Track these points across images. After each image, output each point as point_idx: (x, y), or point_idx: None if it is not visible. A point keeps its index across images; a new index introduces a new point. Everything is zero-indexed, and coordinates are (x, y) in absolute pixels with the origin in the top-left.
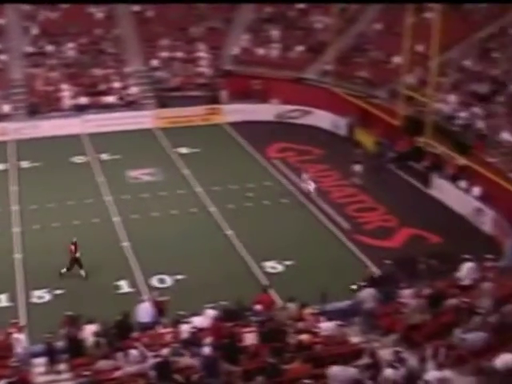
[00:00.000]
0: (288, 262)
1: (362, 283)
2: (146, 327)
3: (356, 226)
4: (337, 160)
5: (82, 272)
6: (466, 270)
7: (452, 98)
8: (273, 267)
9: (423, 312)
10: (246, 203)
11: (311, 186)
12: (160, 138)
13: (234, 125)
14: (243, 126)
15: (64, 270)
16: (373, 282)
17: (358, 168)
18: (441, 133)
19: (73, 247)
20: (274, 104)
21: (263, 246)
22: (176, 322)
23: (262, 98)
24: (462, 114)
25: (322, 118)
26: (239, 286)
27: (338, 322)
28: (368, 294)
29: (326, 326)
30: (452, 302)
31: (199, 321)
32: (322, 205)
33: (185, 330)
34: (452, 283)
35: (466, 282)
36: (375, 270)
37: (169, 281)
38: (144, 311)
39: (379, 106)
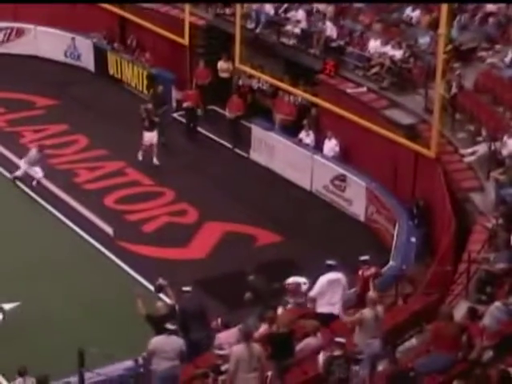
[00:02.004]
0: (9, 306)
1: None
2: None
3: (126, 229)
4: (81, 115)
5: None
6: (327, 286)
7: None
8: None
9: (259, 366)
10: None
11: (38, 173)
12: None
13: None
14: None
15: None
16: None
17: (152, 138)
18: (261, 52)
19: None
20: None
21: None
22: None
23: None
24: (296, 15)
25: (45, 41)
26: None
27: None
28: (163, 344)
29: None
30: (310, 342)
31: None
32: (63, 196)
33: None
34: (306, 311)
35: (330, 309)
36: (165, 304)
37: None
38: None
39: (148, 11)
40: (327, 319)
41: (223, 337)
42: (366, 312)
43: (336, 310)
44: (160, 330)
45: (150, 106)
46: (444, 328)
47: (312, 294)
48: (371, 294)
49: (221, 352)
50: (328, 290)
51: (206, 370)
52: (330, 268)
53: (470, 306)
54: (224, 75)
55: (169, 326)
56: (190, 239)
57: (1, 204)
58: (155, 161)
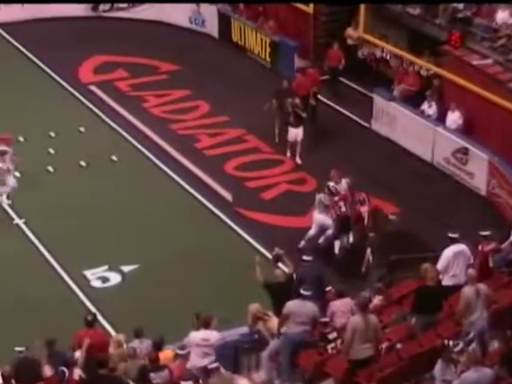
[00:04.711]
0: (129, 268)
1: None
2: None
3: (245, 195)
4: (203, 81)
5: None
6: (452, 259)
7: None
8: (101, 278)
9: (374, 337)
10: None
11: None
12: None
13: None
14: (24, 28)
15: None
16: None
17: (297, 134)
18: (386, 21)
19: None
20: None
21: (79, 242)
22: None
23: None
24: None
25: (170, 7)
26: (38, 317)
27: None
28: (297, 308)
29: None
30: None
31: None
32: (183, 161)
33: None
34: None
35: (455, 281)
36: (283, 272)
37: None
38: None
39: None
40: (453, 291)
41: (337, 305)
42: (466, 289)
43: (462, 280)
44: (276, 297)
45: (297, 100)
46: None
47: (439, 267)
48: (471, 270)
49: (326, 319)
50: (454, 263)
51: (315, 339)
52: (453, 241)
53: None
54: (350, 42)
55: (303, 291)
56: (309, 208)
57: (124, 170)
58: (298, 159)
